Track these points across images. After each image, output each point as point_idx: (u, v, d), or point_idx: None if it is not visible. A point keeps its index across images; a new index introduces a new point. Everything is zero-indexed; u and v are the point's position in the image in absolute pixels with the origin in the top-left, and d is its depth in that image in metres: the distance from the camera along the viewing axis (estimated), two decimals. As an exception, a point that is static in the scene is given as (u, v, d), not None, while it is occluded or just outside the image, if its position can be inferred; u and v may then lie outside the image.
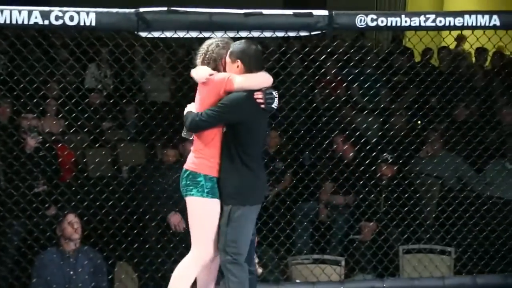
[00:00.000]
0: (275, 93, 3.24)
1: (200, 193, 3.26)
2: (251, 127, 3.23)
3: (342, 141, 5.24)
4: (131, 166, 5.75)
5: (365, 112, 5.32)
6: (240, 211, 3.25)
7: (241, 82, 3.10)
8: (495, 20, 4.09)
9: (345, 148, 5.15)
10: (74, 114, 4.51)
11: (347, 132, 5.07)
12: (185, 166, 3.29)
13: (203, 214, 3.31)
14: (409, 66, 5.73)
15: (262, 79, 3.26)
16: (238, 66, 3.20)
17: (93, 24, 3.57)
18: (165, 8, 3.76)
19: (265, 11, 3.83)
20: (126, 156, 5.85)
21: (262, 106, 3.17)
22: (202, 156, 3.29)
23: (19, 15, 3.43)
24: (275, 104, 3.27)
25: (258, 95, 3.18)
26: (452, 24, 4.21)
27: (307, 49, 4.93)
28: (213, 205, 3.24)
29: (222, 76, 3.25)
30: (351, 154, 4.95)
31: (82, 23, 3.54)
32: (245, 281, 3.33)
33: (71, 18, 3.50)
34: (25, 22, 3.47)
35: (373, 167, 5.12)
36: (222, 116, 3.19)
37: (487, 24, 4.19)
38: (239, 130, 3.18)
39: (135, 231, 4.49)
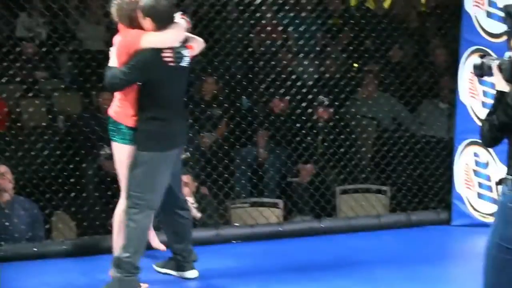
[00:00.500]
0: (186, 52, 3.30)
1: (122, 140, 3.37)
2: (161, 84, 3.32)
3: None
4: (67, 115, 5.64)
5: (301, 56, 5.33)
6: (146, 157, 3.31)
7: (149, 41, 3.15)
8: None
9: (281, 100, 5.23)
10: (5, 64, 4.44)
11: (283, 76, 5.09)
12: (109, 113, 3.40)
13: (126, 160, 3.39)
14: (344, 9, 5.71)
15: (171, 37, 3.28)
16: (148, 23, 3.20)
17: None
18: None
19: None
20: (61, 105, 5.73)
21: (171, 64, 3.23)
22: (122, 106, 3.37)
23: None
24: (185, 62, 3.34)
25: (166, 54, 3.22)
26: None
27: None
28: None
29: (132, 35, 3.28)
30: (287, 98, 4.96)
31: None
32: (145, 228, 3.40)
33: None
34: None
35: (310, 110, 5.15)
36: (131, 76, 3.26)
37: None
38: (149, 85, 3.27)
39: (72, 180, 4.50)
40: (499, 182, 2.41)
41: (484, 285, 2.40)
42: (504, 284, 2.35)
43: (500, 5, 4.40)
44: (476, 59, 2.51)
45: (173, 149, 3.41)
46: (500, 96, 2.32)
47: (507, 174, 2.30)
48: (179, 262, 3.68)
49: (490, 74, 2.43)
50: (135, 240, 3.33)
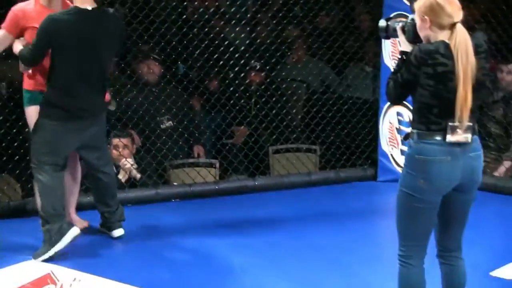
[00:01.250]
0: None
1: (25, 104, 3.64)
2: (65, 58, 3.46)
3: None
4: (9, 81, 5.52)
5: (233, 23, 5.39)
6: (46, 124, 3.46)
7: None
8: None
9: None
10: None
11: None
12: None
13: (30, 122, 3.62)
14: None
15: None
16: None
17: None
18: None
19: None
20: (2, 72, 5.55)
21: None
22: (29, 74, 3.60)
23: None
24: None
25: None
26: None
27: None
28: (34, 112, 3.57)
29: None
30: (221, 63, 5.03)
31: None
32: (51, 185, 3.50)
33: None
34: None
35: (243, 74, 5.23)
36: (35, 51, 3.46)
37: None
38: (53, 59, 3.41)
39: (16, 144, 4.48)
40: (406, 137, 2.55)
41: (398, 233, 2.49)
42: (414, 230, 2.46)
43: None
44: (381, 22, 2.60)
45: (76, 121, 3.50)
46: (404, 55, 2.41)
47: (412, 128, 2.39)
48: (105, 221, 3.79)
49: (395, 35, 2.53)
50: (44, 196, 3.46)
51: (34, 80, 3.50)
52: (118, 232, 3.80)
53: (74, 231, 3.43)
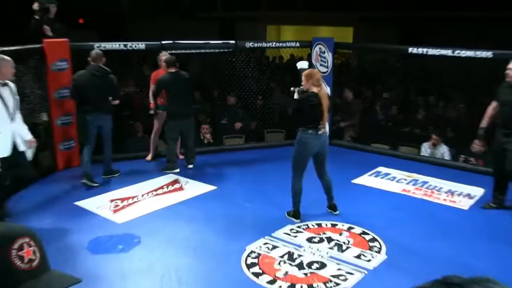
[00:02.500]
0: None
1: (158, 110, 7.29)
2: (169, 92, 6.92)
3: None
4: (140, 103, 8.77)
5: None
6: (170, 122, 6.92)
7: None
8: (297, 44, 8.46)
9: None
10: None
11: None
12: None
13: (162, 119, 7.36)
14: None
15: None
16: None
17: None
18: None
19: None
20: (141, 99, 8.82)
21: None
22: (159, 99, 7.19)
23: None
24: None
25: None
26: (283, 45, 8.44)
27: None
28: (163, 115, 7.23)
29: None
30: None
31: None
32: (172, 148, 7.06)
33: None
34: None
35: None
36: (156, 92, 7.03)
37: (294, 45, 8.36)
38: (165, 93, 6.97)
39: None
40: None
41: (292, 167, 5.42)
42: (298, 166, 5.36)
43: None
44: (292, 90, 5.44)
45: (177, 119, 6.89)
46: (298, 98, 5.21)
47: (300, 127, 5.22)
48: (187, 159, 7.36)
49: (293, 94, 5.36)
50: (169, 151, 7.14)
51: (162, 101, 7.08)
52: (190, 166, 7.16)
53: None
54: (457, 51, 7.27)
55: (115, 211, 5.70)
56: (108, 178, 6.79)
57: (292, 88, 5.38)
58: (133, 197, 6.11)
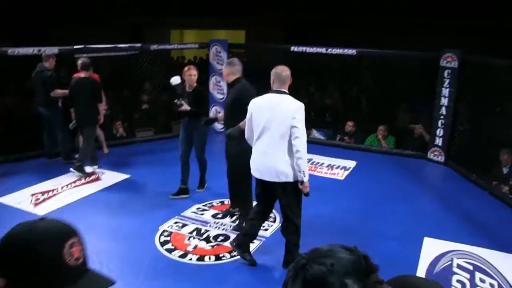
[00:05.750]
0: None
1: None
2: None
3: None
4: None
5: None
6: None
7: None
8: (196, 45, 8.43)
9: None
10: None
11: None
12: None
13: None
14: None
15: None
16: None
17: None
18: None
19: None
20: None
21: None
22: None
23: None
24: None
25: None
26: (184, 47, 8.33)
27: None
28: None
29: None
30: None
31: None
32: None
33: None
34: None
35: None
36: None
37: (194, 46, 8.40)
38: None
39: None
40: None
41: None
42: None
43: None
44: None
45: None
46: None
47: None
48: None
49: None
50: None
51: None
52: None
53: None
54: (329, 49, 7.54)
55: (36, 204, 5.36)
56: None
57: (176, 101, 5.25)
58: (53, 190, 5.78)
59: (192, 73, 5.36)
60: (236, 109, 4.36)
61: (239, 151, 4.37)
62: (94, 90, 6.18)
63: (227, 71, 4.65)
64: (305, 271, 0.90)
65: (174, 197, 5.51)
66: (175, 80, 5.32)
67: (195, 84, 5.46)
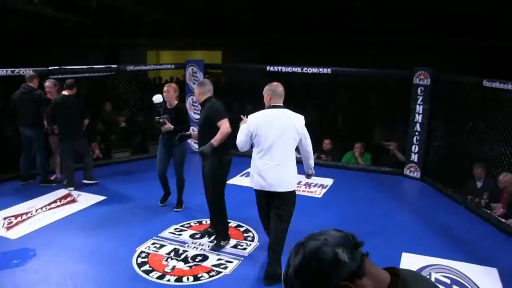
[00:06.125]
0: None
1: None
2: None
3: None
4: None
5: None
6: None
7: None
8: (172, 66, 8.46)
9: None
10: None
11: None
12: None
13: None
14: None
15: None
16: None
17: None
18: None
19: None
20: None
21: None
22: None
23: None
24: None
25: None
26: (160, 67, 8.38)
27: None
28: None
29: None
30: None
31: None
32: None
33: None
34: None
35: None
36: None
37: (170, 67, 8.48)
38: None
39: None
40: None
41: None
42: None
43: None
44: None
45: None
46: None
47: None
48: None
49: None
50: None
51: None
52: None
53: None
54: (305, 69, 7.64)
55: (8, 228, 5.22)
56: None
57: (158, 119, 5.34)
58: (27, 213, 5.64)
59: (165, 89, 5.48)
60: (208, 127, 4.48)
61: (217, 166, 4.47)
62: (82, 107, 6.47)
63: (198, 91, 4.74)
64: (304, 246, 1.15)
65: (163, 204, 5.82)
66: (157, 98, 5.37)
67: (176, 102, 5.55)
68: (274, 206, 3.98)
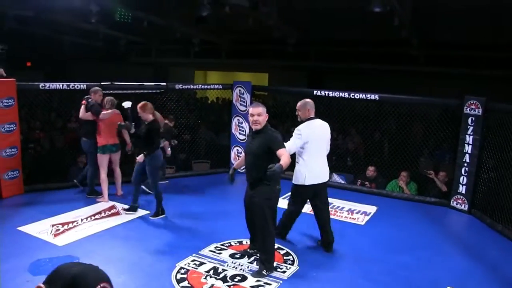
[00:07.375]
0: None
1: None
2: None
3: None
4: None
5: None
6: None
7: None
8: (220, 86, 8.59)
9: None
10: None
11: None
12: None
13: None
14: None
15: None
16: None
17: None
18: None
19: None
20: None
21: None
22: None
23: None
24: None
25: None
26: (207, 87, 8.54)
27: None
28: None
29: None
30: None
31: None
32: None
33: None
34: None
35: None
36: None
37: (217, 87, 8.53)
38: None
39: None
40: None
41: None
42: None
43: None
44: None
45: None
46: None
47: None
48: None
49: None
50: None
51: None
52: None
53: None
54: (352, 94, 7.59)
55: (55, 235, 5.38)
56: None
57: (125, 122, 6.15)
58: (73, 222, 5.80)
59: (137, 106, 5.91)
60: (265, 154, 4.29)
61: (271, 194, 4.41)
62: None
63: (264, 117, 4.45)
64: None
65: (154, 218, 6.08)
66: (127, 104, 6.02)
67: (152, 118, 5.96)
68: (322, 196, 5.11)
